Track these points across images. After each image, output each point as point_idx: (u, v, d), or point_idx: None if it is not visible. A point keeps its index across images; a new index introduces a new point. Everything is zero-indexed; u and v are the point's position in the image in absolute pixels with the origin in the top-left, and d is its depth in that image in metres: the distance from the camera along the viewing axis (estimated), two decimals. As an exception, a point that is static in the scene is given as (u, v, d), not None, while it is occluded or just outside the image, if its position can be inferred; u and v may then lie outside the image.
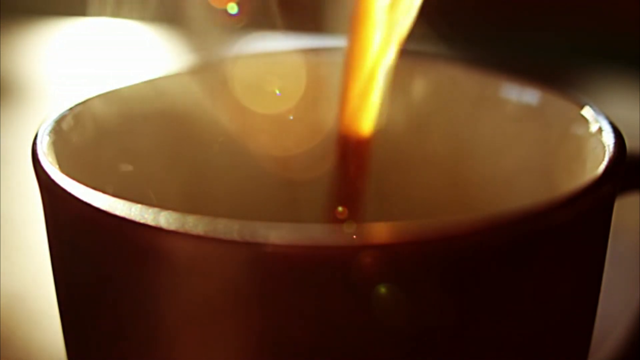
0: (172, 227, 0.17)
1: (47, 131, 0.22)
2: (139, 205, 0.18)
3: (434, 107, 0.27)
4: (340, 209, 0.26)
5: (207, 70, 0.27)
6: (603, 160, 0.21)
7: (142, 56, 0.61)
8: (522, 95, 0.25)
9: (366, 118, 0.24)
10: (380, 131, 0.25)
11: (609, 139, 0.22)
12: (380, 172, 0.27)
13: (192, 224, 0.17)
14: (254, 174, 0.28)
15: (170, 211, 0.18)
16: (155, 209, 0.18)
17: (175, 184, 0.26)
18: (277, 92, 0.27)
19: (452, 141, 0.27)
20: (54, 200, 0.20)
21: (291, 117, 0.28)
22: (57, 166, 0.20)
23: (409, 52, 0.25)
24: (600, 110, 0.23)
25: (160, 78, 0.26)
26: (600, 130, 0.22)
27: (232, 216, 0.23)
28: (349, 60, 0.24)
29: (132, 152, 0.25)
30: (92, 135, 0.24)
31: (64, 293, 0.21)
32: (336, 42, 0.27)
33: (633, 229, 0.36)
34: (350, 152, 0.25)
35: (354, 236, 0.17)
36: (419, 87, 0.27)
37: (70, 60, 0.62)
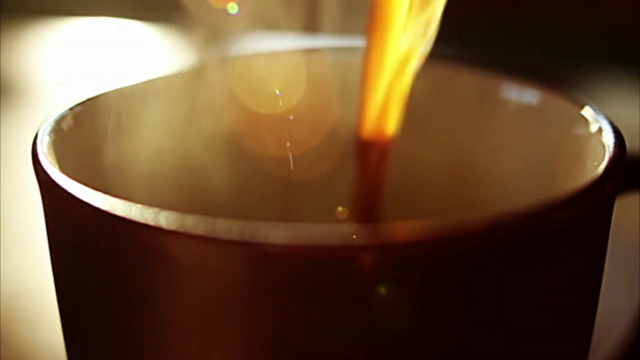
0: (172, 227, 0.17)
1: (47, 131, 0.22)
2: (139, 205, 0.18)
3: (434, 107, 0.27)
4: (340, 209, 0.26)
5: (207, 70, 0.27)
6: (603, 160, 0.21)
7: (142, 56, 0.61)
8: (522, 95, 0.25)
9: (388, 123, 0.24)
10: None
11: (609, 139, 0.22)
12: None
13: (192, 224, 0.17)
14: (254, 174, 0.28)
15: (170, 211, 0.18)
16: (155, 209, 0.18)
17: (176, 183, 0.26)
18: (277, 92, 0.27)
19: (452, 141, 0.27)
20: (54, 200, 0.20)
21: (291, 117, 0.28)
22: (57, 166, 0.20)
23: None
24: (600, 110, 0.23)
25: (160, 78, 0.26)
26: (600, 130, 0.22)
27: (232, 216, 0.23)
28: (370, 67, 0.24)
29: (132, 152, 0.25)
30: (92, 135, 0.24)
31: (64, 293, 0.21)
32: (336, 42, 0.27)
33: (633, 229, 0.36)
34: (372, 156, 0.25)
35: (354, 236, 0.17)
36: (419, 87, 0.27)
37: (70, 60, 0.62)
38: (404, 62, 0.24)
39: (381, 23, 0.23)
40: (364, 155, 0.25)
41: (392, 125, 0.24)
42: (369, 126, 0.24)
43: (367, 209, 0.25)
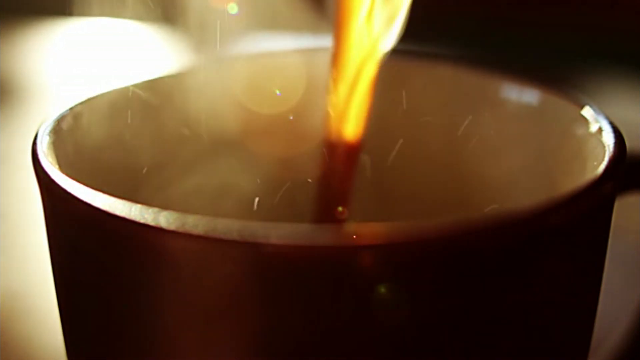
0: (172, 227, 0.17)
1: (47, 131, 0.22)
2: (139, 205, 0.18)
3: (434, 107, 0.27)
4: (340, 208, 0.26)
5: (207, 70, 0.27)
6: (603, 160, 0.21)
7: (142, 56, 0.61)
8: (522, 95, 0.25)
9: (352, 121, 0.24)
10: (380, 131, 0.25)
11: (609, 139, 0.22)
12: (380, 172, 0.27)
13: (192, 224, 0.17)
14: (254, 174, 0.28)
15: (170, 211, 0.18)
16: (155, 209, 0.18)
17: (175, 183, 0.26)
18: (277, 92, 0.27)
19: (452, 141, 0.27)
20: (54, 200, 0.20)
21: (291, 117, 0.28)
22: (57, 166, 0.20)
23: (409, 52, 0.25)
24: (600, 110, 0.23)
25: (160, 78, 0.26)
26: (600, 130, 0.22)
27: (232, 216, 0.23)
28: (333, 64, 0.24)
29: (131, 152, 0.25)
30: (92, 135, 0.24)
31: (64, 293, 0.21)
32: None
33: (633, 229, 0.36)
34: (338, 154, 0.25)
35: (354, 236, 0.17)
36: (419, 87, 0.27)
37: (70, 60, 0.62)
38: (367, 56, 0.24)
39: (344, 16, 0.23)
40: (331, 154, 0.25)
41: (357, 122, 0.24)
42: (334, 123, 0.24)
43: (332, 208, 0.25)
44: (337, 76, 0.24)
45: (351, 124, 0.24)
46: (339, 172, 0.25)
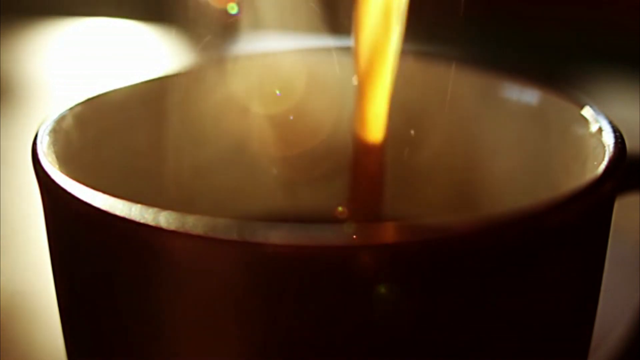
0: (172, 227, 0.17)
1: (47, 131, 0.22)
2: (139, 205, 0.18)
3: (434, 107, 0.27)
4: (340, 208, 0.26)
5: (207, 70, 0.27)
6: (603, 160, 0.21)
7: (142, 56, 0.61)
8: (522, 95, 0.25)
9: (377, 117, 0.24)
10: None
11: (609, 139, 0.22)
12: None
13: (192, 224, 0.17)
14: (254, 174, 0.28)
15: (170, 211, 0.18)
16: (155, 209, 0.18)
17: (175, 183, 0.26)
18: (277, 92, 0.27)
19: (452, 141, 0.27)
20: (54, 200, 0.20)
21: (291, 117, 0.28)
22: (57, 166, 0.20)
23: (408, 52, 0.25)
24: (600, 110, 0.23)
25: (160, 78, 0.26)
26: (600, 130, 0.22)
27: (232, 216, 0.23)
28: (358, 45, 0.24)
29: (132, 152, 0.25)
30: (92, 135, 0.24)
31: (64, 292, 0.21)
32: (336, 42, 0.27)
33: (633, 229, 0.36)
34: (367, 152, 0.25)
35: (354, 236, 0.17)
36: (419, 87, 0.27)
37: (70, 60, 0.62)
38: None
39: None
40: (359, 152, 0.25)
41: (381, 118, 0.24)
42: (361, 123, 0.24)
43: (366, 207, 0.25)
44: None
45: (377, 119, 0.24)
46: (369, 170, 0.25)
